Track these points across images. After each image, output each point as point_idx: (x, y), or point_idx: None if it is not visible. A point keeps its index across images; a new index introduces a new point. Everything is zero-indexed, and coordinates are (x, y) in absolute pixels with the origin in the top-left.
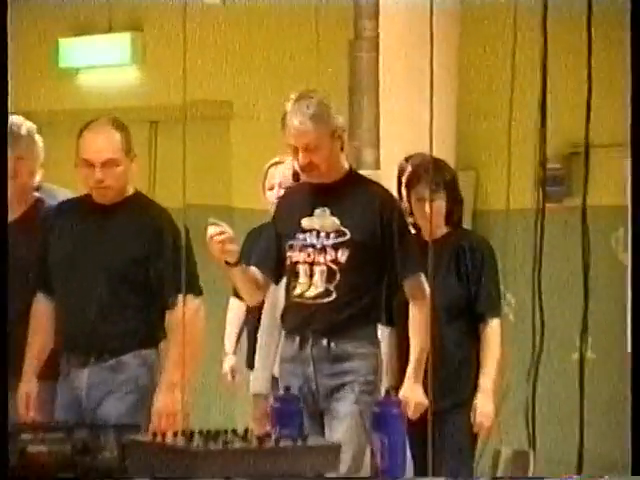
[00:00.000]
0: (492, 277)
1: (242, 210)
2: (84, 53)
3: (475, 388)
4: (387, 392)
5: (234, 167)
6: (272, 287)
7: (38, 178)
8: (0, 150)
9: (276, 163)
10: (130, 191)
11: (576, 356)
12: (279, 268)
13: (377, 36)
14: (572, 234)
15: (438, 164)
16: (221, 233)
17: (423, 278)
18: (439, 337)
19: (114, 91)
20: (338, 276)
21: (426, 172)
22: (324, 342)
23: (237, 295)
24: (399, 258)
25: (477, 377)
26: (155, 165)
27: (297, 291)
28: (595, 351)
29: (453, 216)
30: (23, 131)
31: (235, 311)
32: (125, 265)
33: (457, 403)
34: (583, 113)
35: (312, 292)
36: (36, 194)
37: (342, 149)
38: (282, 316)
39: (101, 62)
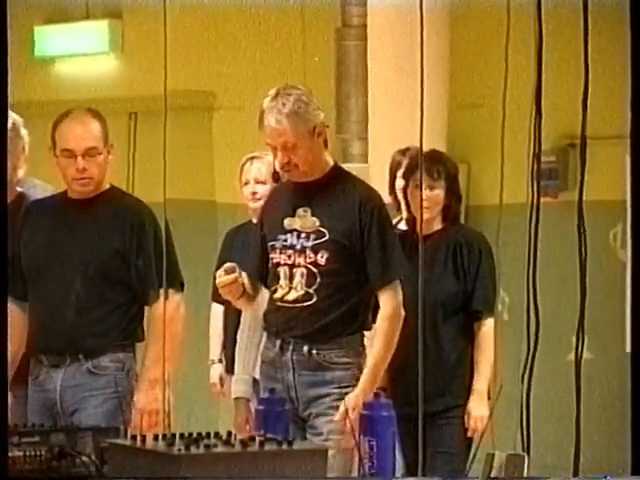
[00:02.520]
0: (489, 275)
1: (225, 205)
2: (60, 41)
3: (469, 390)
4: (376, 394)
5: (217, 160)
6: None
7: (22, 173)
8: (0, 148)
9: (252, 158)
10: (106, 185)
11: (572, 356)
12: (267, 272)
13: (365, 24)
14: (568, 230)
15: (442, 156)
16: (229, 281)
17: (397, 286)
18: (434, 336)
19: (92, 81)
20: (318, 279)
21: (427, 160)
22: (305, 348)
23: (218, 300)
24: (376, 262)
25: (472, 379)
26: (134, 158)
27: (278, 294)
28: (592, 351)
29: (451, 211)
30: (8, 124)
31: (218, 317)
32: (103, 261)
33: (451, 405)
34: (579, 104)
35: (292, 295)
36: (18, 188)
37: (325, 145)
38: (264, 318)
39: (78, 51)
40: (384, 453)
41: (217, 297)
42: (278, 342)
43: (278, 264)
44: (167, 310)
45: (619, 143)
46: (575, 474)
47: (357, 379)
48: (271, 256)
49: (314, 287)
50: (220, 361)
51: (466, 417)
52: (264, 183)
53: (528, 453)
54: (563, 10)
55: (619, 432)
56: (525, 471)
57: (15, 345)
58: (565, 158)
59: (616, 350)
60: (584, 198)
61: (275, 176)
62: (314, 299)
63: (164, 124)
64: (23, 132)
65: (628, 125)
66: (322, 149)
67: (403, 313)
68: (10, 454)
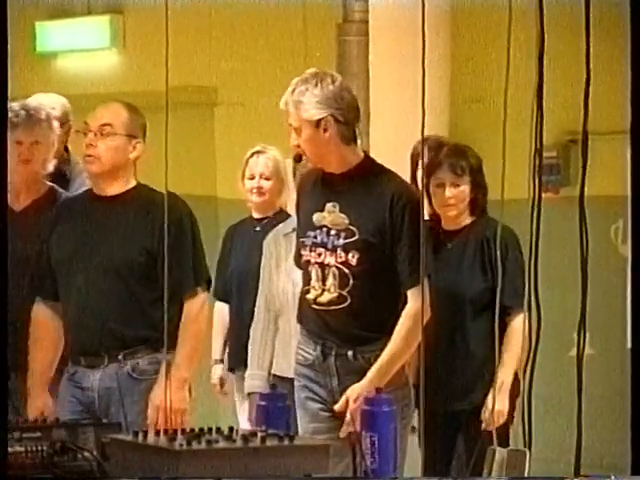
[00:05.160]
0: (518, 269)
1: (226, 201)
2: (62, 37)
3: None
4: (377, 390)
5: (218, 156)
6: (267, 281)
7: (51, 167)
8: (0, 148)
9: (257, 152)
10: (132, 183)
11: (574, 352)
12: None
13: (366, 19)
14: (569, 225)
15: (465, 150)
16: None
17: (425, 285)
18: (463, 332)
19: (93, 76)
20: (351, 280)
21: (448, 156)
22: (350, 353)
23: (222, 299)
24: (406, 261)
25: (495, 373)
26: None
27: (310, 295)
28: (594, 347)
29: (478, 205)
30: (42, 115)
31: (220, 315)
32: (134, 258)
33: (480, 403)
34: (581, 99)
35: (325, 297)
36: (48, 183)
37: (345, 141)
38: (300, 319)
39: (79, 46)
40: (385, 449)
41: (220, 295)
42: (319, 347)
43: (309, 262)
44: (195, 308)
45: (620, 138)
46: (577, 470)
47: (403, 379)
48: (302, 253)
49: (347, 289)
50: (221, 361)
51: (484, 410)
52: (269, 179)
53: (529, 449)
54: (565, 5)
55: (621, 428)
56: (526, 467)
57: (51, 346)
58: (566, 154)
59: (618, 346)
60: (585, 193)
61: (297, 157)
62: (348, 301)
63: (165, 120)
64: (55, 125)
65: (628, 120)
66: (336, 144)
67: (429, 313)
68: (11, 449)
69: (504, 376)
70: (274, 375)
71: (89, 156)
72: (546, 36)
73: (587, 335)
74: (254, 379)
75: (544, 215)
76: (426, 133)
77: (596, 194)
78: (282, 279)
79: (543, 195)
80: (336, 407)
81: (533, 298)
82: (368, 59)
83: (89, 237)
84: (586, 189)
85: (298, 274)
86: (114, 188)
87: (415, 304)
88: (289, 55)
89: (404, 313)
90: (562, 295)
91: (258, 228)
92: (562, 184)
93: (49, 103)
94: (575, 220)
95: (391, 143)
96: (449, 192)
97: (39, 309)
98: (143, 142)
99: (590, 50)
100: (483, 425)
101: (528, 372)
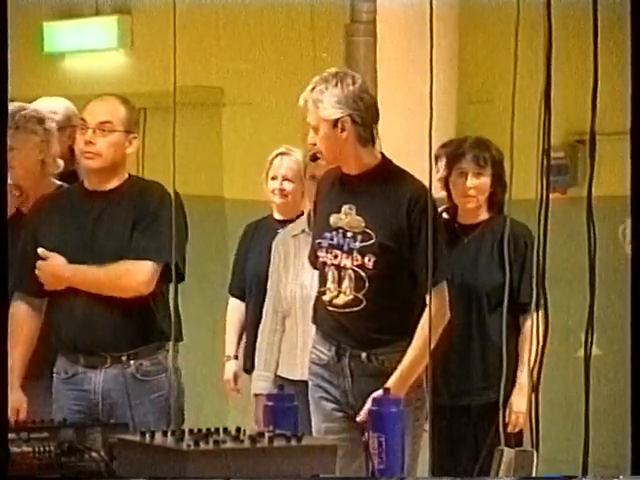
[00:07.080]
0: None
1: (234, 201)
2: (69, 37)
3: (513, 383)
4: (385, 390)
5: (226, 156)
6: (275, 282)
7: (60, 168)
8: (0, 148)
9: (282, 154)
10: (126, 175)
11: (581, 352)
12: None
13: (374, 20)
14: (577, 226)
15: (488, 143)
16: None
17: (444, 288)
18: (480, 327)
19: (101, 77)
20: (367, 283)
21: (472, 147)
22: (363, 355)
23: (236, 295)
24: (424, 265)
25: (515, 372)
26: (143, 154)
27: (326, 297)
28: (601, 348)
29: (496, 200)
30: (20, 121)
31: (235, 312)
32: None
33: (497, 401)
34: (588, 99)
35: (341, 300)
36: (57, 182)
37: (362, 142)
38: (314, 316)
39: (87, 46)
40: (393, 449)
41: (235, 292)
42: (333, 347)
43: (325, 264)
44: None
45: (628, 139)
46: (584, 470)
47: (417, 382)
48: (318, 254)
49: (363, 292)
50: (235, 357)
51: (507, 410)
52: (292, 181)
53: (537, 449)
54: (572, 5)
55: (628, 428)
56: (534, 466)
57: (26, 345)
58: (574, 154)
59: (625, 346)
60: (593, 194)
61: (312, 157)
62: (364, 304)
63: (173, 120)
64: (49, 125)
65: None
66: (353, 144)
67: (448, 315)
68: (19, 450)
69: (524, 376)
70: (279, 377)
71: (89, 152)
72: (554, 37)
73: (595, 336)
74: (260, 380)
75: (552, 215)
76: (433, 134)
77: (604, 194)
78: (290, 280)
79: (551, 195)
80: (359, 418)
81: (541, 298)
82: (375, 60)
83: (89, 232)
84: (594, 189)
85: (306, 276)
86: (111, 183)
87: (434, 309)
88: (296, 56)
89: (423, 319)
90: (569, 295)
91: (280, 230)
92: (570, 184)
93: (52, 106)
94: (583, 220)
95: (398, 143)
96: (470, 182)
97: (20, 303)
98: (138, 137)
99: (598, 50)
100: (509, 428)
101: (535, 372)
